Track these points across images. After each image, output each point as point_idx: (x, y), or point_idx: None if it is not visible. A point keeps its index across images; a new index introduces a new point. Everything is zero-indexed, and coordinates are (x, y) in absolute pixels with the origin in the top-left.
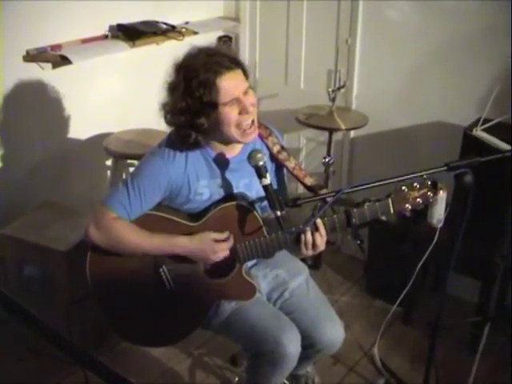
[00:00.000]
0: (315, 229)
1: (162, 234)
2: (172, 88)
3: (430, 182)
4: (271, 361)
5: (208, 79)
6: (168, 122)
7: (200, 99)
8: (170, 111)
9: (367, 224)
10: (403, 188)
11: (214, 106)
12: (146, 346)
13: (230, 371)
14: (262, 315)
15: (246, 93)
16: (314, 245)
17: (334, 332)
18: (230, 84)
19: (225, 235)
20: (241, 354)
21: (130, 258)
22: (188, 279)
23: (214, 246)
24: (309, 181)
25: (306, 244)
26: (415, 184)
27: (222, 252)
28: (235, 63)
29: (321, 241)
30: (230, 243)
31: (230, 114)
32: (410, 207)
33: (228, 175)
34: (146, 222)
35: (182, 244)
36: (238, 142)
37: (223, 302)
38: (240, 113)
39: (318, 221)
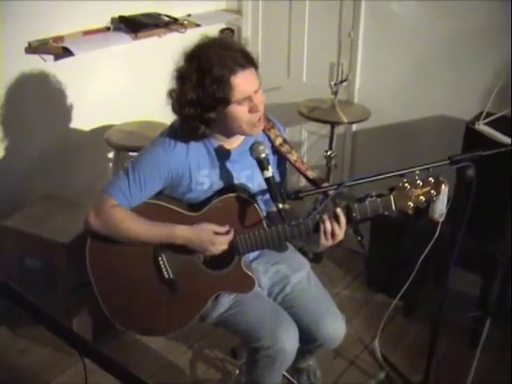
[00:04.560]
0: (335, 218)
1: (161, 222)
2: (182, 77)
3: (433, 180)
4: (268, 356)
5: (222, 76)
6: (175, 112)
7: (212, 95)
8: (178, 100)
9: (368, 219)
10: (406, 185)
11: (226, 102)
12: (142, 334)
13: (231, 363)
14: (260, 310)
15: (256, 91)
16: (333, 234)
17: (335, 327)
18: (243, 82)
19: (225, 228)
20: (241, 346)
21: (129, 247)
22: (187, 269)
23: (214, 237)
24: (311, 174)
25: (325, 233)
26: (418, 181)
27: (220, 245)
28: (249, 61)
29: (339, 231)
30: (230, 236)
31: (241, 111)
32: (412, 205)
33: (229, 166)
34: (146, 211)
35: (181, 233)
36: (245, 135)
37: (222, 295)
38: (250, 111)
39: (339, 210)
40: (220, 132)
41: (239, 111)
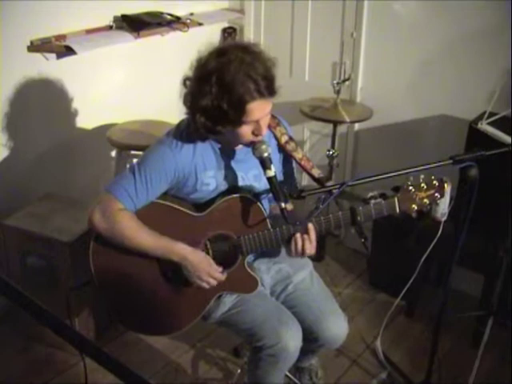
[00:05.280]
0: (305, 232)
1: (166, 237)
2: (202, 79)
3: (437, 184)
4: (271, 354)
5: (240, 101)
6: (187, 107)
7: (226, 113)
8: (193, 99)
9: (371, 221)
10: (410, 188)
11: (236, 123)
12: (145, 333)
13: (233, 363)
14: (263, 309)
15: (266, 115)
16: (303, 249)
17: (337, 327)
18: (258, 109)
19: (221, 268)
20: (243, 345)
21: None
22: None
23: (211, 270)
24: (316, 172)
25: (295, 246)
26: (423, 185)
27: (211, 279)
28: (271, 92)
29: (309, 246)
30: (222, 278)
31: (245, 132)
32: (416, 208)
33: (236, 166)
34: (151, 211)
35: (180, 251)
36: None
37: (225, 294)
38: (253, 132)
39: (310, 226)
40: (221, 140)
41: (243, 131)
